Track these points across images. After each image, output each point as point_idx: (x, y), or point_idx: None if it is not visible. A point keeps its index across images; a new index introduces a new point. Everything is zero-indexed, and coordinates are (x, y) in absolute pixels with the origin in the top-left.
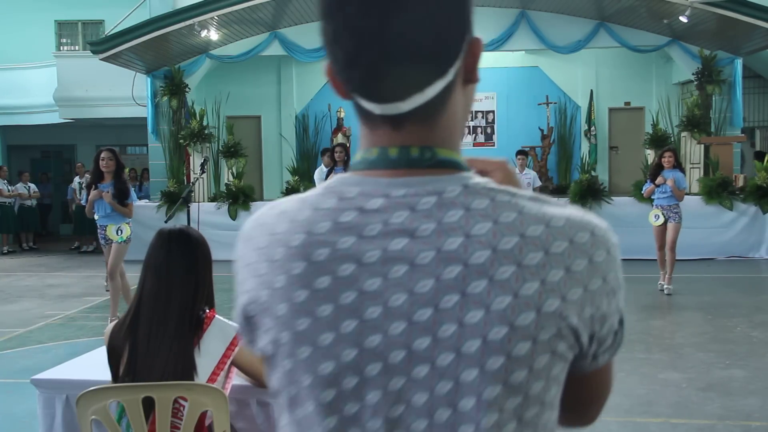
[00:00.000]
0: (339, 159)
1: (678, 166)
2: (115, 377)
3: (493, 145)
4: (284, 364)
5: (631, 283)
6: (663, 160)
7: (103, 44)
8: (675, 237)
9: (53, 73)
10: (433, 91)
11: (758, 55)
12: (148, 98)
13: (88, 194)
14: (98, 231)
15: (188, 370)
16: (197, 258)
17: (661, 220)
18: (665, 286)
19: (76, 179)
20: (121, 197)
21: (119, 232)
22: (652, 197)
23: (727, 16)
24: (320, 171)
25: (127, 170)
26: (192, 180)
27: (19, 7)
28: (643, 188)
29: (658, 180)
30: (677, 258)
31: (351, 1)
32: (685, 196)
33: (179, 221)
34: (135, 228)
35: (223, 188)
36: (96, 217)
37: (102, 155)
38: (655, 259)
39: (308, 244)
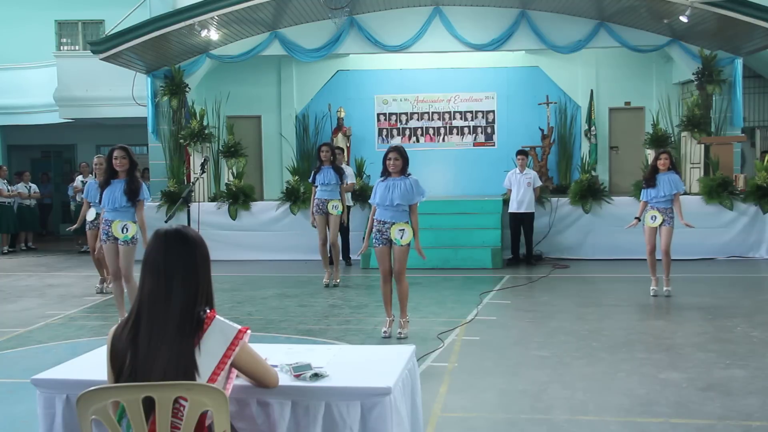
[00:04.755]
0: (325, 159)
1: (673, 167)
2: (116, 378)
3: (493, 145)
4: None
5: (631, 282)
6: (659, 162)
7: (103, 44)
8: (669, 241)
9: (53, 73)
10: None
11: (758, 55)
12: (149, 98)
13: (101, 191)
14: (102, 226)
15: (189, 370)
16: (195, 257)
17: (658, 221)
18: (665, 288)
19: (79, 178)
20: (131, 196)
21: (125, 230)
22: (648, 200)
23: (727, 16)
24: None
25: (141, 170)
26: (192, 180)
27: (19, 7)
28: (642, 195)
29: (633, 223)
30: (672, 259)
31: None
32: (686, 196)
33: (179, 221)
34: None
35: (223, 188)
36: (100, 211)
37: (115, 153)
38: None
39: None
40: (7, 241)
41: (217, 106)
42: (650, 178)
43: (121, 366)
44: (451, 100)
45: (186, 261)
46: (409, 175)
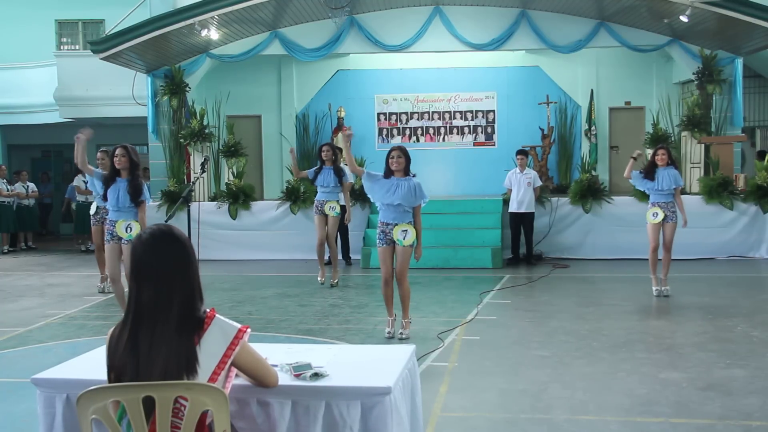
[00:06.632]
0: (327, 158)
1: (672, 163)
2: (116, 379)
3: (494, 145)
4: None
5: (631, 282)
6: (656, 157)
7: (103, 43)
8: (672, 237)
9: (53, 73)
10: None
11: (758, 55)
12: (149, 98)
13: (105, 189)
14: (106, 226)
15: (191, 363)
16: (188, 255)
17: (660, 217)
18: (663, 288)
19: (79, 177)
20: (134, 196)
21: (128, 229)
22: (649, 195)
23: (727, 15)
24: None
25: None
26: (192, 179)
27: (19, 6)
28: (637, 182)
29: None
30: (672, 258)
31: None
32: (686, 196)
33: (180, 220)
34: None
35: (223, 188)
36: (100, 204)
37: (116, 152)
38: None
39: None
40: (8, 241)
41: (217, 105)
42: (649, 171)
43: (121, 367)
44: (451, 99)
45: (178, 259)
46: (414, 176)
